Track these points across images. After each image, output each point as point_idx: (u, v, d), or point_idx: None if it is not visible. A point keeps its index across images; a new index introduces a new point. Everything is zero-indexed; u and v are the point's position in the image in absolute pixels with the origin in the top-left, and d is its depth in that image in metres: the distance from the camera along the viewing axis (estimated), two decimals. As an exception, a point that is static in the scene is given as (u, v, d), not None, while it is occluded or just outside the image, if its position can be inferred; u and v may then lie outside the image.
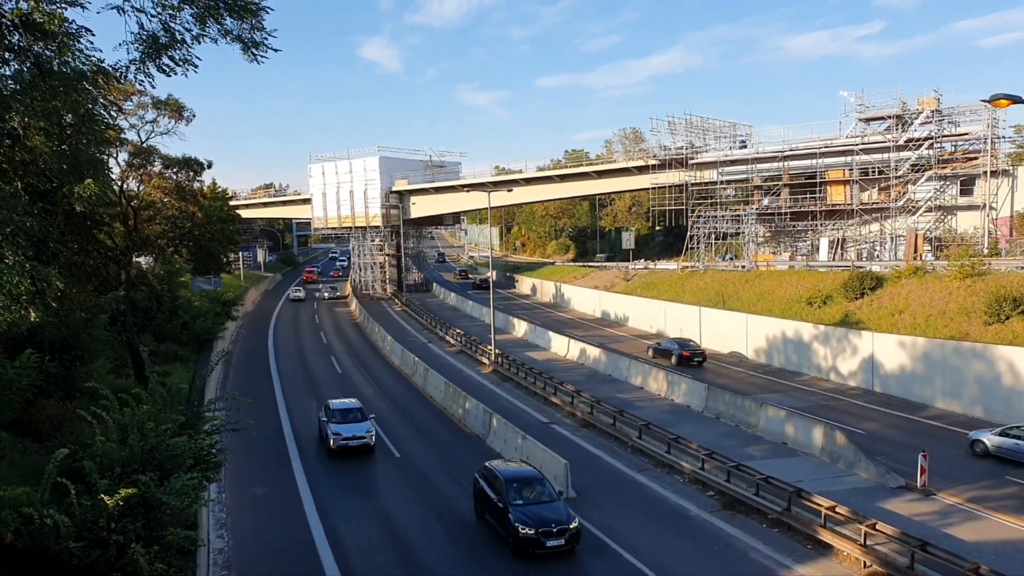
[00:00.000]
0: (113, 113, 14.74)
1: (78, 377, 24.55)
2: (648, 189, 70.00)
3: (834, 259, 57.27)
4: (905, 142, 52.77)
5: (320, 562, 18.75)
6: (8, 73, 10.32)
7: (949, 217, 53.23)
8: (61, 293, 13.88)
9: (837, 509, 19.25)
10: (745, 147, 65.11)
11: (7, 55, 10.12)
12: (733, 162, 63.38)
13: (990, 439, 26.19)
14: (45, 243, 13.61)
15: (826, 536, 18.94)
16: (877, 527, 18.10)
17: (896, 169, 53.42)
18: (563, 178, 78.88)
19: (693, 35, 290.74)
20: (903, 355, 35.14)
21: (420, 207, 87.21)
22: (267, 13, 11.98)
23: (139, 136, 33.39)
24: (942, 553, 16.63)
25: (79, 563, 12.66)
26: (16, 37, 10.00)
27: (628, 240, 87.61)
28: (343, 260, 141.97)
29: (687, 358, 42.88)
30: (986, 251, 48.23)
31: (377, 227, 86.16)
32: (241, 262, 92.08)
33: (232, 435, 22.21)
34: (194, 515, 16.14)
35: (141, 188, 35.53)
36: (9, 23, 9.86)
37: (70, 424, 20.29)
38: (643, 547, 19.39)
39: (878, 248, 56.59)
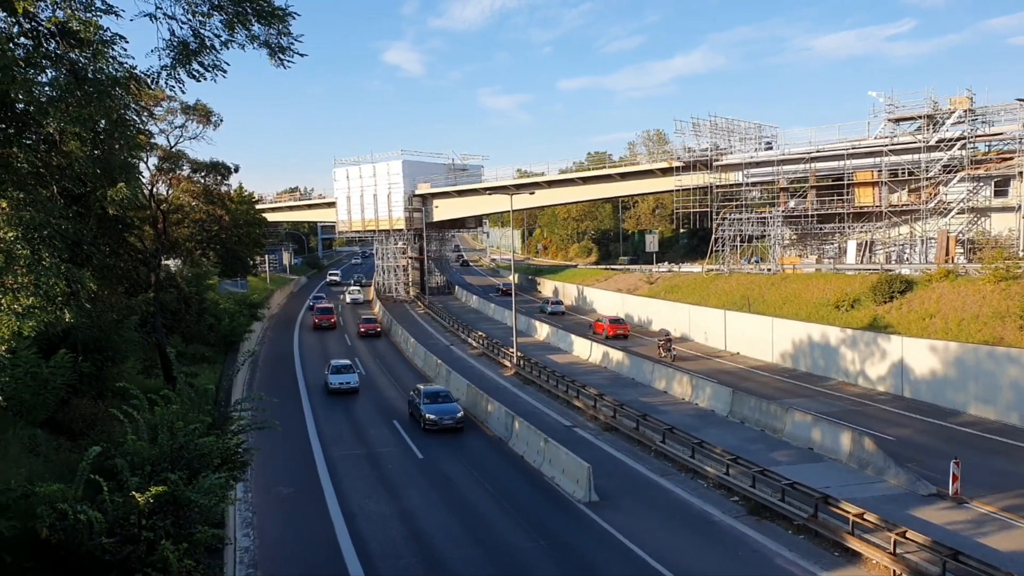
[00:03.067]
0: (144, 118, 15.01)
1: (109, 377, 24.98)
2: (672, 191, 69.72)
3: (862, 262, 56.58)
4: (936, 142, 51.99)
5: (344, 563, 18.87)
6: (45, 80, 10.57)
7: (982, 219, 52.30)
8: (94, 295, 14.14)
9: (865, 516, 19.00)
10: (771, 148, 64.54)
11: (44, 63, 10.36)
12: (758, 164, 62.90)
13: None
14: (79, 245, 13.89)
15: (854, 544, 18.70)
16: (907, 535, 17.83)
17: (927, 170, 52.65)
18: (585, 180, 78.79)
19: (716, 36, 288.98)
20: (935, 360, 34.63)
21: (442, 210, 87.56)
22: (294, 19, 12.14)
23: (168, 141, 33.86)
24: (975, 563, 16.28)
25: (111, 559, 12.91)
26: (53, 45, 10.24)
27: (652, 243, 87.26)
28: (357, 260, 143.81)
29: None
30: (1021, 254, 47.37)
31: (400, 230, 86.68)
32: (267, 265, 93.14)
33: (258, 435, 22.51)
34: (221, 513, 16.36)
35: (170, 192, 36.05)
36: (46, 31, 10.10)
37: (102, 423, 20.61)
38: (667, 552, 19.29)
39: (908, 251, 55.80)
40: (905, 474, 23.68)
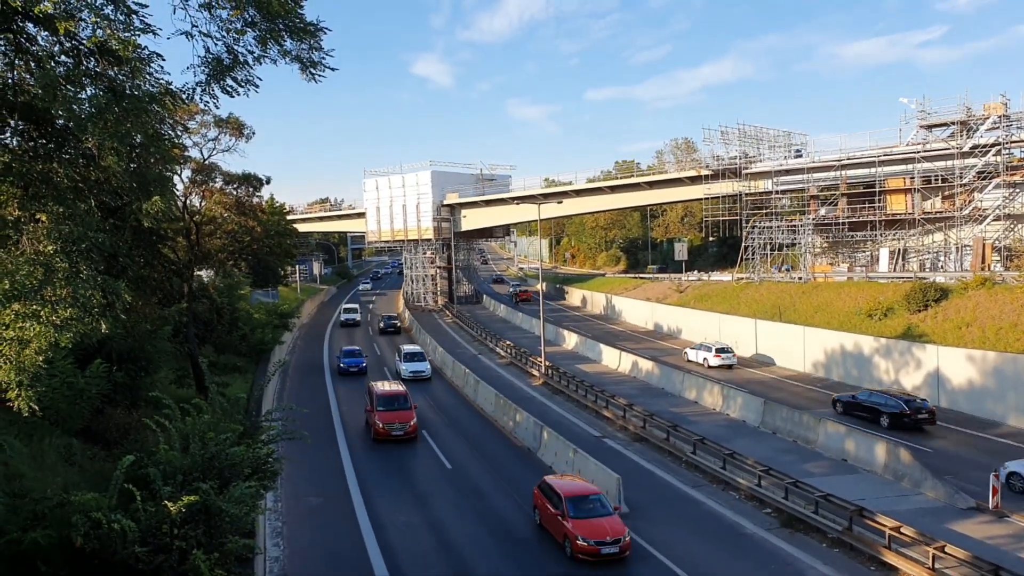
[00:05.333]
0: (178, 132, 15.26)
1: (143, 387, 25.33)
2: (701, 199, 69.26)
3: (895, 270, 55.72)
4: (970, 149, 51.11)
5: (373, 573, 18.91)
6: (85, 97, 10.80)
7: (1019, 226, 51.27)
8: (129, 306, 14.37)
9: (902, 530, 18.65)
10: (800, 156, 63.95)
11: (84, 80, 10.60)
12: (788, 171, 62.30)
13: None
14: (115, 257, 14.14)
15: (891, 558, 18.35)
16: (946, 549, 17.47)
17: (961, 177, 51.79)
18: (613, 189, 78.58)
19: (744, 44, 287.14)
20: (972, 370, 33.94)
21: (471, 220, 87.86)
22: (325, 34, 12.29)
23: (202, 153, 34.39)
24: (1015, 578, 15.95)
25: (144, 567, 13.04)
26: (92, 63, 10.48)
27: (681, 251, 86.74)
28: (387, 269, 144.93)
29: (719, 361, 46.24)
30: (1059, 261, 46.36)
31: (429, 240, 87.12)
32: (298, 275, 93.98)
33: (287, 444, 22.66)
34: (252, 523, 16.48)
35: (203, 204, 36.54)
36: (86, 50, 10.33)
37: (135, 432, 20.89)
38: (699, 564, 19.08)
39: (942, 259, 54.83)
40: (943, 487, 23.19)
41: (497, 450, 30.19)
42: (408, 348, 48.62)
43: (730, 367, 46.31)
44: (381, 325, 70.12)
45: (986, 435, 30.69)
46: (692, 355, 48.76)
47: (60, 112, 10.64)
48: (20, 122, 11.21)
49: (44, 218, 11.48)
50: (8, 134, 11.56)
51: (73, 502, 13.56)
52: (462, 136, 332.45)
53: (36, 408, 12.42)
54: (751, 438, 30.70)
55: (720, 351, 46.99)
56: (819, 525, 20.60)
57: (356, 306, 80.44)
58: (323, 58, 12.44)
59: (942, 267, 53.92)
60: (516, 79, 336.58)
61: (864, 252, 60.48)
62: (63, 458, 18.96)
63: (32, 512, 13.83)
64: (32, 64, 10.60)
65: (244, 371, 43.84)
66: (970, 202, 51.79)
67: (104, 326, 12.34)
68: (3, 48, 11.01)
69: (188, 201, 34.94)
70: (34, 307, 11.30)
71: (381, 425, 30.92)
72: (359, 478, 26.69)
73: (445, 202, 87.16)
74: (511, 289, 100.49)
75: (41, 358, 11.99)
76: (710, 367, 46.20)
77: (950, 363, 35.10)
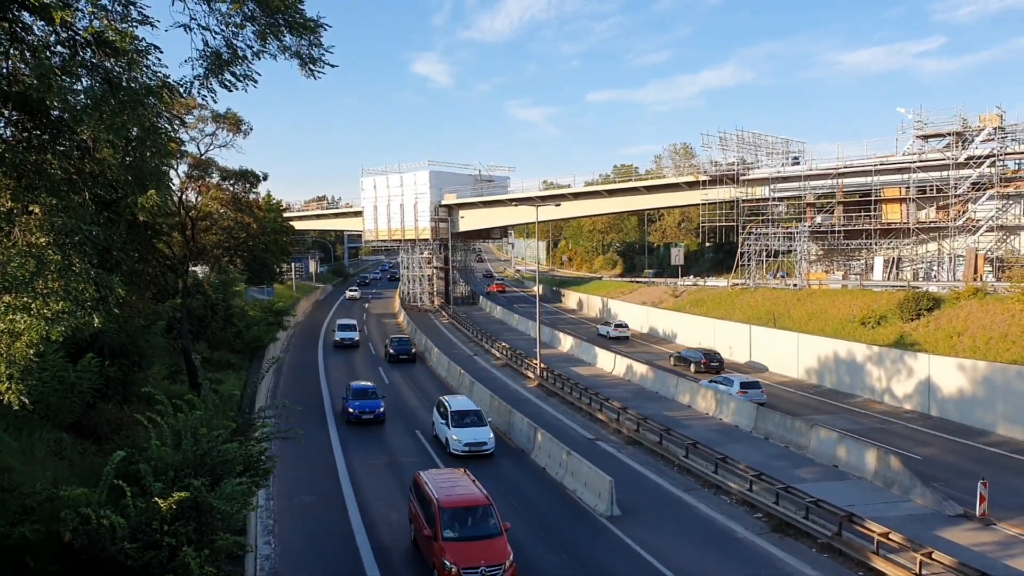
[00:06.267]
0: (175, 126, 15.20)
1: (135, 382, 25.27)
2: (698, 205, 69.41)
3: (889, 279, 55.86)
4: (966, 160, 51.31)
5: (364, 573, 18.86)
6: (80, 88, 10.76)
7: (1012, 237, 51.46)
8: (122, 300, 14.31)
9: (891, 536, 18.69)
10: (798, 163, 64.11)
11: (80, 71, 10.56)
12: (785, 179, 62.45)
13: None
14: (109, 251, 14.11)
15: (879, 563, 18.39)
16: (933, 556, 17.53)
17: (956, 187, 51.97)
18: (612, 193, 78.70)
19: (745, 50, 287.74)
20: (962, 379, 34.04)
21: (468, 221, 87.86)
22: (325, 30, 12.26)
23: (198, 148, 34.31)
24: (1003, 586, 16.00)
25: (133, 564, 12.99)
26: (88, 54, 10.43)
27: (677, 256, 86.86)
28: (375, 274, 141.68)
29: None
30: (1051, 273, 46.50)
31: (426, 240, 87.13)
32: (293, 273, 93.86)
33: (280, 442, 22.60)
34: (243, 520, 16.45)
35: (199, 199, 36.48)
36: (83, 40, 10.29)
37: (127, 428, 20.86)
38: (689, 568, 19.08)
39: (935, 268, 55.02)
40: (932, 494, 23.26)
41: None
42: (456, 403, 31.29)
43: (626, 338, 61.73)
44: (390, 350, 52.21)
45: (975, 443, 30.78)
46: (602, 330, 64.33)
47: (55, 103, 10.59)
48: (14, 112, 11.15)
49: (37, 210, 11.42)
50: (2, 124, 11.51)
51: (62, 497, 13.52)
52: (461, 136, 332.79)
53: (26, 402, 12.34)
54: (743, 443, 30.74)
55: (618, 326, 63.38)
56: (809, 530, 20.63)
57: (354, 322, 63.74)
58: (323, 54, 12.39)
59: (935, 277, 54.11)
60: (517, 80, 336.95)
61: (859, 260, 60.65)
62: (53, 452, 18.90)
63: (21, 506, 13.79)
64: (27, 54, 10.54)
65: (238, 368, 43.76)
66: (964, 213, 51.98)
67: (97, 320, 12.28)
68: (-2, 37, 10.97)
69: (184, 196, 34.90)
70: (25, 299, 11.24)
71: (455, 570, 16.98)
72: (352, 477, 26.56)
73: (443, 202, 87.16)
74: (487, 281, 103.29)
75: (32, 351, 11.93)
76: (610, 338, 61.23)
77: (941, 372, 35.20)
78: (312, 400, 39.20)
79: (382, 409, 34.45)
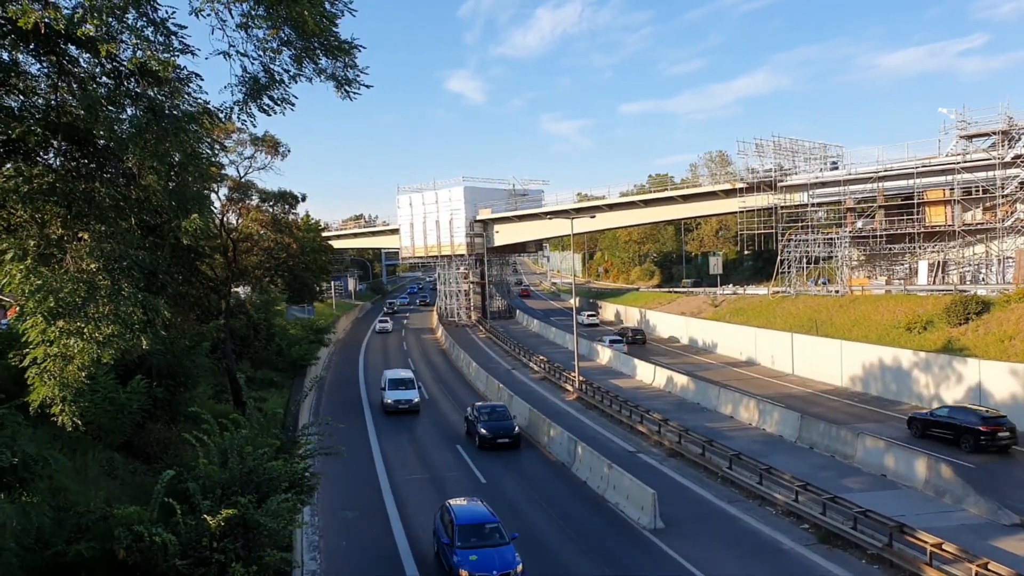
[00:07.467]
0: (216, 150, 15.56)
1: (182, 402, 25.79)
2: (736, 213, 68.69)
3: (934, 283, 54.63)
4: (1013, 159, 50.05)
5: (409, 587, 18.92)
6: (125, 117, 11.12)
7: (1063, 237, 50.03)
8: (168, 322, 14.68)
9: (944, 546, 18.19)
10: (836, 168, 63.22)
11: (125, 100, 10.93)
12: (824, 184, 61.58)
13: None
14: (155, 275, 14.47)
15: (932, 575, 17.91)
16: (989, 567, 17.00)
17: (1003, 187, 50.69)
18: (647, 203, 78.31)
19: (780, 56, 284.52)
20: (1015, 384, 33.08)
21: (503, 235, 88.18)
22: (359, 52, 12.49)
23: (238, 171, 35.04)
24: (1064, 597, 15.45)
25: (183, 580, 13.24)
26: (133, 84, 10.80)
27: (716, 265, 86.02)
28: (403, 298, 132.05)
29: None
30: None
31: (462, 255, 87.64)
32: (333, 291, 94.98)
33: (324, 458, 22.83)
34: (289, 537, 16.64)
35: (240, 221, 37.18)
36: (127, 71, 10.66)
37: (175, 447, 21.27)
38: (735, 581, 18.79)
39: (983, 271, 53.62)
40: (986, 503, 22.60)
41: (531, 465, 30.09)
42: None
43: (596, 325, 77.49)
44: (482, 430, 32.46)
45: (1033, 451, 29.85)
46: (581, 318, 73.01)
47: (101, 132, 10.96)
48: (63, 143, 11.55)
49: (86, 236, 11.79)
50: (52, 155, 11.92)
51: (116, 515, 13.86)
52: (495, 152, 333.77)
53: (79, 423, 12.71)
54: (788, 453, 30.23)
55: (590, 315, 79.36)
56: (858, 541, 20.19)
57: (410, 375, 44.17)
58: (357, 75, 12.62)
59: (983, 279, 52.72)
60: (549, 94, 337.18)
61: (902, 265, 59.41)
62: (105, 472, 19.37)
63: (76, 525, 14.17)
64: (74, 86, 10.94)
65: (281, 386, 44.33)
66: (1012, 213, 50.66)
67: (144, 342, 12.61)
68: (46, 70, 11.39)
69: (225, 218, 35.58)
70: (78, 324, 11.60)
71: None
72: (394, 492, 26.73)
73: (478, 218, 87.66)
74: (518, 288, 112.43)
75: (84, 374, 12.28)
76: (584, 326, 72.25)
77: (993, 377, 34.25)
78: (353, 415, 39.53)
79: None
